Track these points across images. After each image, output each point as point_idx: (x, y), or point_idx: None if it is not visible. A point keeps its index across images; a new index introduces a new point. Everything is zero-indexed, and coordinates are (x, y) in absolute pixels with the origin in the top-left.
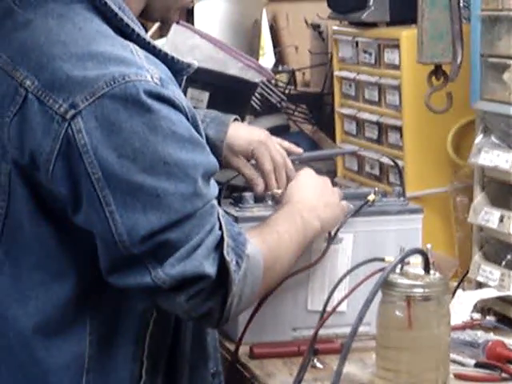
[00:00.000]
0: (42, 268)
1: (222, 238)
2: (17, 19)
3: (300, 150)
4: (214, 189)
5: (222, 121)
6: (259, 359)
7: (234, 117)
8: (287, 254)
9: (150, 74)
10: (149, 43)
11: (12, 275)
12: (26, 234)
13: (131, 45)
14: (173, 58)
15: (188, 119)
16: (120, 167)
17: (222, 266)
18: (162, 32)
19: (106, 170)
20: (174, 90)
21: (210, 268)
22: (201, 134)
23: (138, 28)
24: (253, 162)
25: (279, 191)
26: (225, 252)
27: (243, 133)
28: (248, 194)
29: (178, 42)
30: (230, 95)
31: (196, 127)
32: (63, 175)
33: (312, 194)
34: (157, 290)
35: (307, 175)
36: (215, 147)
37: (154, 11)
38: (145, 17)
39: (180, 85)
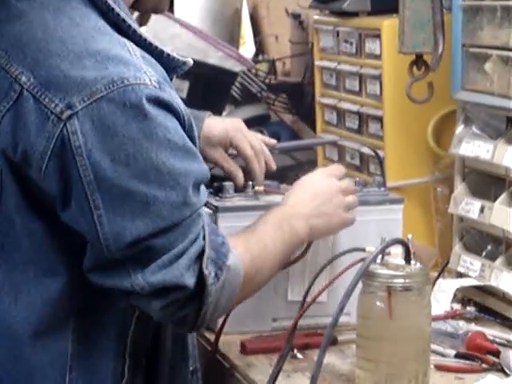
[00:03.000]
0: (34, 264)
1: (203, 249)
2: (10, 10)
3: (274, 141)
4: (203, 196)
5: (197, 116)
6: (252, 355)
7: (209, 113)
8: (270, 266)
9: (149, 76)
10: (145, 40)
11: (6, 270)
12: (17, 229)
13: (128, 43)
14: (168, 55)
15: (184, 121)
16: (112, 172)
17: (200, 278)
18: (142, 21)
19: (98, 173)
20: (171, 93)
21: (190, 279)
22: (194, 137)
23: (134, 24)
24: (231, 151)
25: (261, 188)
26: (204, 265)
27: (218, 123)
28: (228, 184)
29: (158, 30)
30: (210, 84)
31: (191, 130)
32: (55, 175)
33: (309, 200)
34: (134, 293)
35: (315, 177)
36: None
37: (148, 2)
38: (137, 7)
39: (171, 80)
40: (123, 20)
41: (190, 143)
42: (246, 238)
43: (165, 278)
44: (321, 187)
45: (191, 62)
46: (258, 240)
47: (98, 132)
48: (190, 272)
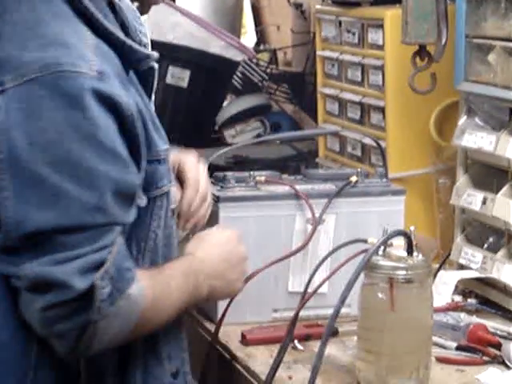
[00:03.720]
0: None
1: (104, 262)
2: None
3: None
4: (127, 214)
5: None
6: (253, 346)
7: None
8: (169, 311)
9: (89, 65)
10: (106, 29)
11: None
12: None
13: (85, 30)
14: (130, 46)
15: (127, 114)
16: (28, 154)
17: (92, 288)
18: (143, 10)
19: (14, 153)
20: (113, 85)
21: (79, 282)
22: (137, 135)
23: (97, 12)
24: None
25: (262, 178)
26: (98, 274)
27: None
28: (230, 174)
29: (159, 19)
30: (211, 74)
31: (133, 126)
32: None
33: (216, 261)
34: (17, 282)
35: (226, 236)
36: None
37: None
38: None
39: (152, 74)
40: (85, 7)
41: (119, 148)
42: (151, 275)
43: (52, 272)
44: (231, 252)
45: (156, 55)
46: (163, 281)
47: (23, 112)
48: (83, 277)
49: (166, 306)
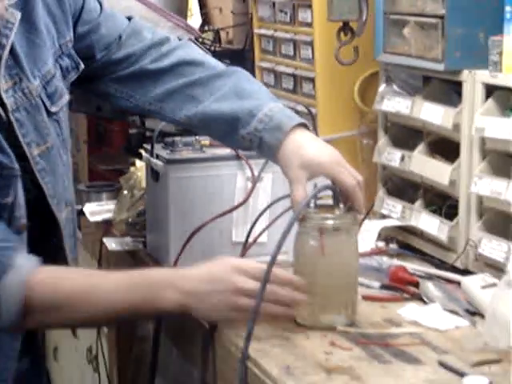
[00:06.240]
0: None
1: None
2: None
3: None
4: None
5: (279, 126)
6: None
7: (298, 121)
8: (85, 309)
9: None
10: None
11: None
12: None
13: None
14: None
15: None
16: None
17: None
18: None
19: None
20: None
21: None
22: None
23: None
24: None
25: (207, 142)
26: None
27: (313, 149)
28: (178, 139)
29: (112, 4)
30: None
31: None
32: None
33: (197, 281)
34: None
35: (223, 264)
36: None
37: None
38: None
39: None
40: None
41: None
42: (62, 273)
43: None
44: (220, 277)
45: None
46: (79, 282)
47: None
48: None
49: (81, 304)
